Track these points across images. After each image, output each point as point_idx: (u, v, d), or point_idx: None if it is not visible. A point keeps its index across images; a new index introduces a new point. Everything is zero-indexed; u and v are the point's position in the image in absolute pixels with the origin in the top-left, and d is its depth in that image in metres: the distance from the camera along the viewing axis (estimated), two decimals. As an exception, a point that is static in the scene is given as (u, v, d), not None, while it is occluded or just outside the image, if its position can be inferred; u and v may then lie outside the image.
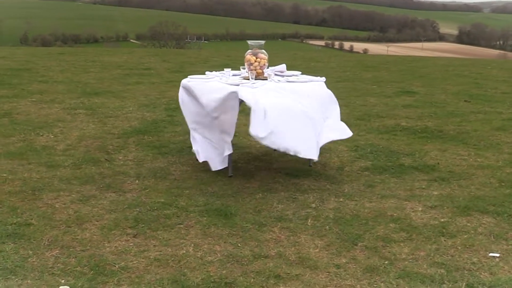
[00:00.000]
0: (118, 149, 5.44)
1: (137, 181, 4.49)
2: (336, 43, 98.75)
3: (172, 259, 3.11)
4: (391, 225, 3.70)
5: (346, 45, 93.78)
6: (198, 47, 33.78)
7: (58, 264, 3.00)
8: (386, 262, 3.16)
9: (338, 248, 3.33)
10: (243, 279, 2.90)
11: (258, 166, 5.00)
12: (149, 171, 4.76)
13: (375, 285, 2.91)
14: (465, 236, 3.54)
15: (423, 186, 4.49)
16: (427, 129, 6.47)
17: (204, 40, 56.51)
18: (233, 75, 5.02)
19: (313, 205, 4.02)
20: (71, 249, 3.19)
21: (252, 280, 2.90)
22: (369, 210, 3.95)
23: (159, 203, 3.98)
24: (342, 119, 6.89)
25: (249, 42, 5.00)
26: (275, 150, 4.37)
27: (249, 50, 4.94)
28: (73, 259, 3.06)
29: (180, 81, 4.96)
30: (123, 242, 3.31)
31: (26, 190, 4.14)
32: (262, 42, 5.03)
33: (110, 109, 7.37)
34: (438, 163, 5.12)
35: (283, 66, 5.35)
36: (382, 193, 4.30)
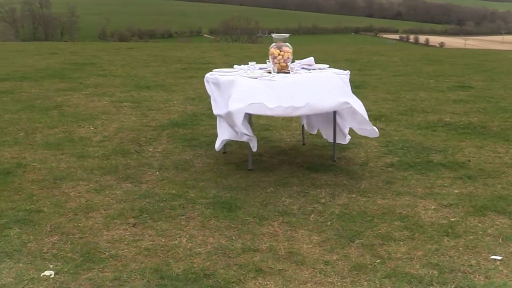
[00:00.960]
0: (150, 141, 5.58)
1: (157, 172, 4.59)
2: (411, 37, 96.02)
3: (162, 249, 3.18)
4: (396, 223, 3.60)
5: (422, 38, 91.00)
6: (269, 41, 33.78)
7: (53, 250, 3.13)
8: (377, 261, 3.08)
9: (333, 245, 3.28)
10: (223, 272, 2.92)
11: (282, 160, 4.98)
12: (173, 163, 4.85)
13: (357, 284, 2.85)
14: (471, 237, 3.39)
15: (445, 184, 4.33)
16: (470, 125, 6.22)
17: (276, 34, 56.47)
18: (260, 69, 5.02)
19: (323, 201, 3.98)
20: (70, 236, 3.32)
21: (232, 273, 2.91)
22: (378, 207, 3.86)
23: (170, 194, 4.06)
24: (385, 114, 6.77)
25: (273, 35, 5.00)
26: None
27: (274, 44, 4.93)
28: (68, 246, 3.19)
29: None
30: (120, 231, 3.41)
31: (49, 179, 4.33)
32: (287, 35, 5.01)
33: (155, 102, 7.55)
34: (469, 160, 4.92)
35: (311, 59, 5.31)
36: (399, 190, 4.19)
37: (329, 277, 2.90)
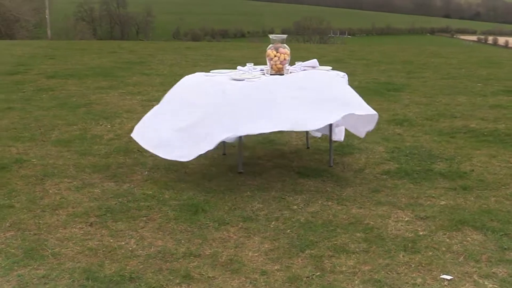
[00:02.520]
0: (157, 141, 5.61)
1: (146, 172, 4.63)
2: (490, 38, 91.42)
3: (104, 249, 3.20)
4: (358, 234, 3.45)
5: (501, 40, 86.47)
6: (341, 42, 33.44)
7: (1, 245, 3.22)
8: (317, 274, 2.97)
9: (281, 254, 3.19)
10: (151, 276, 2.90)
11: (277, 163, 4.90)
12: (168, 163, 4.86)
13: (283, 296, 2.75)
14: (430, 253, 3.20)
15: (434, 195, 4.11)
16: (494, 132, 5.87)
17: (348, 34, 55.69)
18: (261, 70, 4.96)
19: (295, 207, 3.88)
20: (25, 232, 3.41)
21: (159, 277, 2.89)
22: (348, 216, 3.71)
23: (145, 195, 4.08)
24: (409, 119, 6.51)
25: (271, 36, 4.92)
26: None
27: (271, 45, 4.85)
28: (18, 242, 3.27)
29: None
30: (75, 230, 3.46)
31: (38, 176, 4.47)
32: (284, 36, 4.93)
33: (181, 101, 7.60)
34: (473, 170, 4.65)
35: (314, 61, 5.19)
36: (381, 200, 4.01)
37: (258, 288, 2.81)
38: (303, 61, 5.07)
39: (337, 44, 29.21)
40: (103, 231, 3.44)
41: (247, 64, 4.98)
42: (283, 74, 4.70)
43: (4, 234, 3.38)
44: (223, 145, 5.15)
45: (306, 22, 44.05)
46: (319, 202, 3.96)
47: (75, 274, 2.90)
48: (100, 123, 6.41)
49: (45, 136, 5.77)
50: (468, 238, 3.38)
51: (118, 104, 7.53)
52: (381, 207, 3.88)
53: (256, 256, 3.16)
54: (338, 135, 5.08)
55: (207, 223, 3.59)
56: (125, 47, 16.20)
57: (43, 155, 5.06)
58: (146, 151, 5.10)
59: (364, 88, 8.71)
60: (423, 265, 3.05)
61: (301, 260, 3.12)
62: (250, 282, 2.87)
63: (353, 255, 3.17)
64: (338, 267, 3.03)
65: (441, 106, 7.34)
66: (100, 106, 7.37)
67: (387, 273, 2.97)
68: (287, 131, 5.37)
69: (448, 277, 2.90)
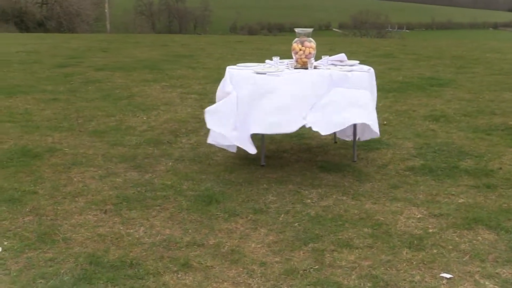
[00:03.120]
0: (188, 133, 5.74)
1: (170, 163, 4.74)
2: None
3: (112, 236, 3.31)
4: (365, 229, 3.43)
5: None
6: (399, 36, 32.80)
7: (18, 229, 3.39)
8: (315, 267, 2.98)
9: (284, 247, 3.21)
10: (151, 263, 2.98)
11: (301, 157, 4.91)
12: (194, 154, 4.96)
13: (266, 285, 2.77)
14: (435, 251, 3.15)
15: (453, 192, 4.03)
16: (533, 130, 5.67)
17: (406, 29, 54.35)
18: (286, 64, 4.97)
19: (308, 201, 3.88)
20: (42, 218, 3.57)
21: (158, 265, 2.97)
22: (360, 211, 3.70)
23: (164, 185, 4.18)
24: (447, 115, 6.37)
25: (296, 30, 4.93)
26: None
27: (296, 38, 4.86)
28: (35, 226, 3.43)
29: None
30: (90, 216, 3.60)
31: (66, 164, 4.65)
32: (310, 30, 4.91)
33: (220, 95, 7.70)
34: (501, 168, 4.52)
35: (342, 56, 5.15)
36: (398, 196, 3.97)
37: (253, 279, 2.86)
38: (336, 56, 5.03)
39: (393, 38, 28.74)
40: (116, 219, 3.56)
41: (273, 58, 4.99)
42: (307, 68, 4.68)
43: (23, 218, 3.54)
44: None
45: (363, 16, 43.45)
46: (334, 196, 3.95)
47: (80, 259, 3.01)
48: (137, 115, 6.57)
49: (83, 127, 5.97)
50: (479, 237, 3.30)
51: (158, 97, 7.69)
52: (396, 203, 3.83)
53: (259, 247, 3.20)
54: (369, 134, 4.97)
55: (217, 214, 3.65)
56: (178, 40, 16.46)
57: (76, 144, 5.24)
58: (175, 143, 5.22)
59: (406, 83, 8.56)
60: (425, 262, 3.00)
61: (303, 253, 3.13)
62: (247, 273, 2.91)
63: (356, 250, 3.15)
64: (338, 262, 3.02)
65: (484, 102, 7.13)
66: (140, 98, 7.54)
67: (387, 269, 2.95)
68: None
69: (448, 276, 2.85)
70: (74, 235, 3.31)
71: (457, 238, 3.29)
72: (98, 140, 5.44)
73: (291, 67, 4.70)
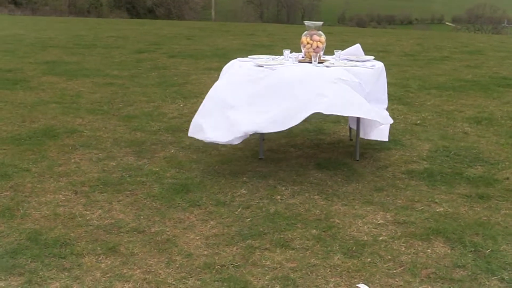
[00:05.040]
0: (212, 122, 5.80)
1: (173, 150, 4.85)
2: None
3: (66, 216, 3.47)
4: (313, 231, 3.34)
5: None
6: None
7: (-10, 201, 3.65)
8: (236, 264, 2.96)
9: (221, 241, 3.21)
10: (83, 244, 3.10)
11: (306, 153, 4.84)
12: (203, 144, 5.00)
13: (183, 281, 2.80)
14: (369, 259, 3.01)
15: (437, 200, 3.81)
16: None
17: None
18: (295, 57, 4.91)
19: (277, 197, 3.84)
20: (18, 194, 3.81)
21: (88, 246, 3.08)
22: (321, 212, 3.60)
23: (149, 171, 4.30)
24: (492, 118, 5.95)
25: (306, 22, 4.85)
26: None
27: (306, 31, 4.78)
28: (6, 201, 3.67)
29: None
30: (60, 196, 3.79)
31: (76, 145, 4.91)
32: (320, 23, 4.80)
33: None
34: (508, 178, 4.19)
35: (357, 48, 4.98)
36: (375, 200, 3.81)
37: (167, 269, 2.89)
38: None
39: (507, 35, 26.84)
40: (81, 200, 3.72)
41: (284, 51, 4.92)
42: (310, 62, 4.58)
43: (0, 193, 3.80)
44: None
45: (479, 10, 40.85)
46: (306, 195, 3.86)
47: (23, 234, 3.19)
48: (176, 102, 6.74)
49: (118, 111, 6.23)
50: (429, 250, 3.10)
51: (209, 85, 7.79)
52: (366, 206, 3.68)
53: (196, 239, 3.21)
54: (378, 135, 4.77)
55: (179, 203, 3.70)
56: (267, 30, 16.56)
57: (98, 127, 5.50)
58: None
59: (473, 81, 8.10)
60: (349, 271, 2.87)
61: (236, 249, 3.11)
62: (166, 263, 2.94)
63: (290, 251, 3.08)
64: (263, 261, 2.97)
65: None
66: (191, 86, 7.73)
67: (307, 273, 2.86)
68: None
69: (364, 287, 2.71)
70: (34, 212, 3.50)
71: (403, 249, 3.10)
72: (123, 124, 5.66)
73: (295, 61, 4.61)
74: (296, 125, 5.07)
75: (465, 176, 4.22)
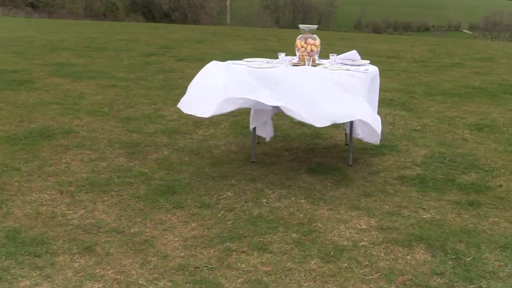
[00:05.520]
0: (210, 124, 5.81)
1: (166, 152, 4.85)
2: None
3: (47, 215, 3.47)
4: (294, 235, 3.31)
5: None
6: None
7: (-25, 200, 3.66)
8: (210, 267, 2.93)
9: (199, 243, 3.19)
10: (60, 243, 3.09)
11: (300, 157, 4.80)
12: (198, 146, 5.03)
13: (154, 283, 2.78)
14: (345, 265, 2.96)
15: (425, 206, 3.75)
16: None
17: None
18: (289, 61, 4.89)
19: (263, 201, 3.81)
20: (4, 192, 3.82)
21: (65, 245, 3.07)
22: (305, 216, 3.56)
23: (139, 172, 4.30)
24: (493, 125, 5.86)
25: (301, 26, 4.81)
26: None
27: (300, 35, 4.76)
28: (-10, 199, 3.69)
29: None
30: (45, 195, 3.79)
31: (69, 146, 4.92)
32: (314, 26, 4.76)
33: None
34: (501, 186, 4.12)
35: (353, 53, 4.94)
36: (361, 205, 3.77)
37: (140, 270, 2.87)
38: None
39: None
40: (66, 200, 3.72)
41: (279, 54, 4.89)
42: (303, 65, 4.55)
43: (-14, 191, 3.81)
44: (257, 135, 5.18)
45: (497, 17, 40.41)
46: (293, 199, 3.82)
47: (2, 233, 3.20)
48: (177, 104, 6.71)
49: (118, 113, 6.25)
50: (409, 257, 3.04)
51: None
52: (352, 211, 3.63)
53: (175, 241, 3.19)
54: (366, 136, 4.73)
55: (163, 205, 3.68)
56: (280, 35, 16.54)
57: (95, 128, 5.51)
58: (190, 133, 5.32)
59: (479, 88, 8.02)
60: (324, 276, 2.83)
61: (213, 251, 3.08)
62: (142, 263, 2.92)
63: (267, 255, 3.04)
64: (238, 264, 2.94)
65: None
66: (194, 89, 7.69)
67: (281, 277, 2.82)
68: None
69: (335, 292, 2.66)
70: (16, 211, 3.51)
71: (382, 255, 3.05)
72: (121, 126, 5.66)
73: (288, 64, 4.58)
74: (293, 130, 5.06)
75: (457, 182, 4.15)
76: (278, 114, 4.88)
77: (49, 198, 3.73)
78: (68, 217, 3.43)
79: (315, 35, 4.67)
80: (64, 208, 3.56)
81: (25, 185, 3.94)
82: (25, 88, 7.34)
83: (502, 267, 2.91)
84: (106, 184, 4.00)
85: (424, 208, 3.69)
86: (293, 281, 2.76)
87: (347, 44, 14.24)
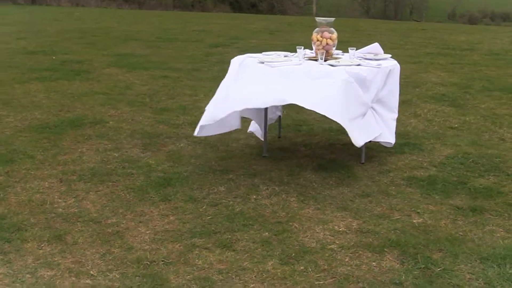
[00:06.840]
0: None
1: (182, 144, 4.91)
2: None
3: (37, 202, 3.61)
4: (266, 233, 3.25)
5: None
6: None
7: (-17, 183, 3.88)
8: (167, 261, 2.94)
9: (168, 237, 3.20)
10: (36, 230, 3.21)
11: (315, 153, 4.70)
12: (217, 139, 4.98)
13: (105, 274, 2.83)
14: (302, 268, 2.87)
15: (420, 211, 3.56)
16: None
17: None
18: (305, 54, 4.79)
19: (252, 197, 3.76)
20: (10, 179, 4.01)
21: (39, 233, 3.18)
22: (286, 214, 3.49)
23: (145, 164, 4.38)
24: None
25: (317, 19, 4.69)
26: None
27: (317, 28, 4.65)
28: (-6, 185, 3.90)
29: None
30: (45, 183, 3.95)
31: (92, 135, 5.09)
32: (332, 19, 4.63)
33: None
34: (514, 192, 3.82)
35: (375, 46, 4.75)
36: (353, 206, 3.63)
37: (99, 260, 2.92)
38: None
39: None
40: (62, 188, 3.86)
41: (297, 47, 4.79)
42: (316, 60, 4.43)
43: (-5, 176, 4.03)
44: (278, 128, 5.13)
45: None
46: (283, 196, 3.75)
47: (-12, 217, 3.37)
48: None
49: (157, 104, 6.38)
50: (374, 263, 2.90)
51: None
52: (338, 212, 3.51)
53: (146, 234, 3.23)
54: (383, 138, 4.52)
55: (152, 197, 3.73)
56: (359, 25, 16.17)
57: (126, 119, 5.67)
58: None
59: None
60: (275, 278, 2.76)
61: (178, 246, 3.09)
62: (103, 254, 2.98)
63: (228, 253, 3.01)
64: (196, 260, 2.93)
65: None
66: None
67: (231, 277, 2.78)
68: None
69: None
70: (12, 197, 3.68)
71: (347, 260, 2.93)
72: (153, 116, 5.78)
73: (301, 59, 4.48)
74: (319, 124, 4.90)
75: (468, 186, 3.89)
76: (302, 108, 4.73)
77: (47, 186, 3.87)
78: (55, 205, 3.55)
79: (332, 29, 4.53)
80: (56, 197, 3.69)
81: (32, 172, 4.11)
82: (80, 78, 7.65)
83: (471, 280, 2.70)
84: (108, 174, 4.09)
85: (418, 212, 3.49)
86: (241, 282, 2.71)
87: (426, 35, 13.71)
